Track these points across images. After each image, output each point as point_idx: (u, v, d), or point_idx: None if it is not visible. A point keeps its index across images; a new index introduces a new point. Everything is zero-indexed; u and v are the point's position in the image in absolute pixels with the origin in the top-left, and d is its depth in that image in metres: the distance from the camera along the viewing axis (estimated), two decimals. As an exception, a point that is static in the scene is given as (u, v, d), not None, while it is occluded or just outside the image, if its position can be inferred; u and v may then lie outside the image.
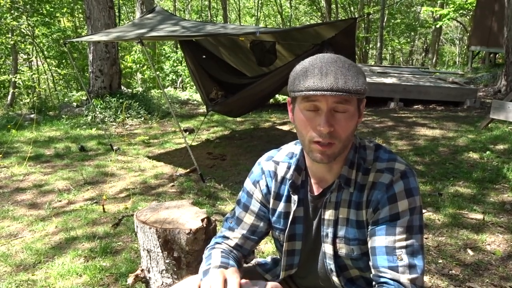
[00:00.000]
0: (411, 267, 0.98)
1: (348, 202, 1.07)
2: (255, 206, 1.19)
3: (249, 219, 1.20)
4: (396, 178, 1.02)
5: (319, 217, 1.12)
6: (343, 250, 1.09)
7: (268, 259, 1.35)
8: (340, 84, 0.92)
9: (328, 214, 1.09)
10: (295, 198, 1.13)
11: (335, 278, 1.13)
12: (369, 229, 1.05)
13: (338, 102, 0.95)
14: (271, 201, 1.18)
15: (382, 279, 1.00)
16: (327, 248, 1.11)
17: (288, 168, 1.16)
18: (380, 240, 1.02)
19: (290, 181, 1.13)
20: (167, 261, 1.65)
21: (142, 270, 1.75)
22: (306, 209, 1.14)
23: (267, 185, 1.18)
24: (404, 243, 1.00)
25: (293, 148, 1.19)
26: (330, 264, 1.12)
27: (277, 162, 1.19)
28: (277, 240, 1.21)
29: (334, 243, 1.10)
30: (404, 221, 1.00)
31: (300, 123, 1.01)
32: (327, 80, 0.92)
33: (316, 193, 1.12)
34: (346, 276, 1.14)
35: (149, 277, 1.73)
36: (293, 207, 1.13)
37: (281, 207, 1.16)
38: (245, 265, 1.32)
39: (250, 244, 1.20)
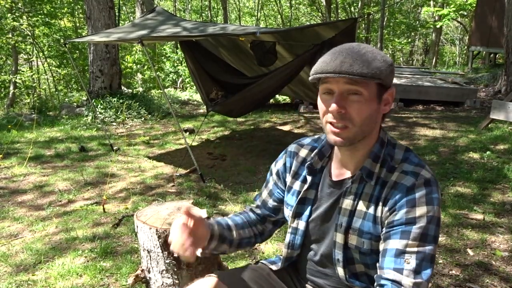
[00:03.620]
0: (417, 272, 0.96)
1: (370, 196, 1.07)
2: (270, 183, 1.31)
3: (264, 194, 1.33)
4: (419, 183, 1.01)
5: (336, 204, 1.12)
6: (353, 241, 1.08)
7: (276, 258, 1.37)
8: (345, 67, 0.96)
9: (346, 204, 1.09)
10: (309, 179, 1.18)
11: (340, 269, 1.13)
12: (383, 232, 1.03)
13: (348, 84, 0.98)
14: (289, 179, 1.24)
15: (382, 281, 0.99)
16: (339, 237, 1.11)
17: (311, 151, 1.21)
18: (392, 243, 1.00)
19: (309, 162, 1.17)
20: (167, 261, 1.65)
21: (142, 270, 1.76)
22: (319, 193, 1.17)
23: (284, 164, 1.26)
24: (415, 249, 0.97)
25: (322, 135, 1.24)
26: (339, 254, 1.11)
27: (301, 144, 1.26)
28: (288, 218, 1.25)
29: (346, 233, 1.09)
30: (419, 227, 0.98)
31: (319, 106, 1.06)
32: (334, 63, 0.97)
33: (335, 179, 1.14)
34: (352, 270, 1.13)
35: (149, 277, 1.73)
36: (305, 187, 1.18)
37: (296, 185, 1.22)
38: (251, 263, 1.36)
39: (267, 206, 1.32)
